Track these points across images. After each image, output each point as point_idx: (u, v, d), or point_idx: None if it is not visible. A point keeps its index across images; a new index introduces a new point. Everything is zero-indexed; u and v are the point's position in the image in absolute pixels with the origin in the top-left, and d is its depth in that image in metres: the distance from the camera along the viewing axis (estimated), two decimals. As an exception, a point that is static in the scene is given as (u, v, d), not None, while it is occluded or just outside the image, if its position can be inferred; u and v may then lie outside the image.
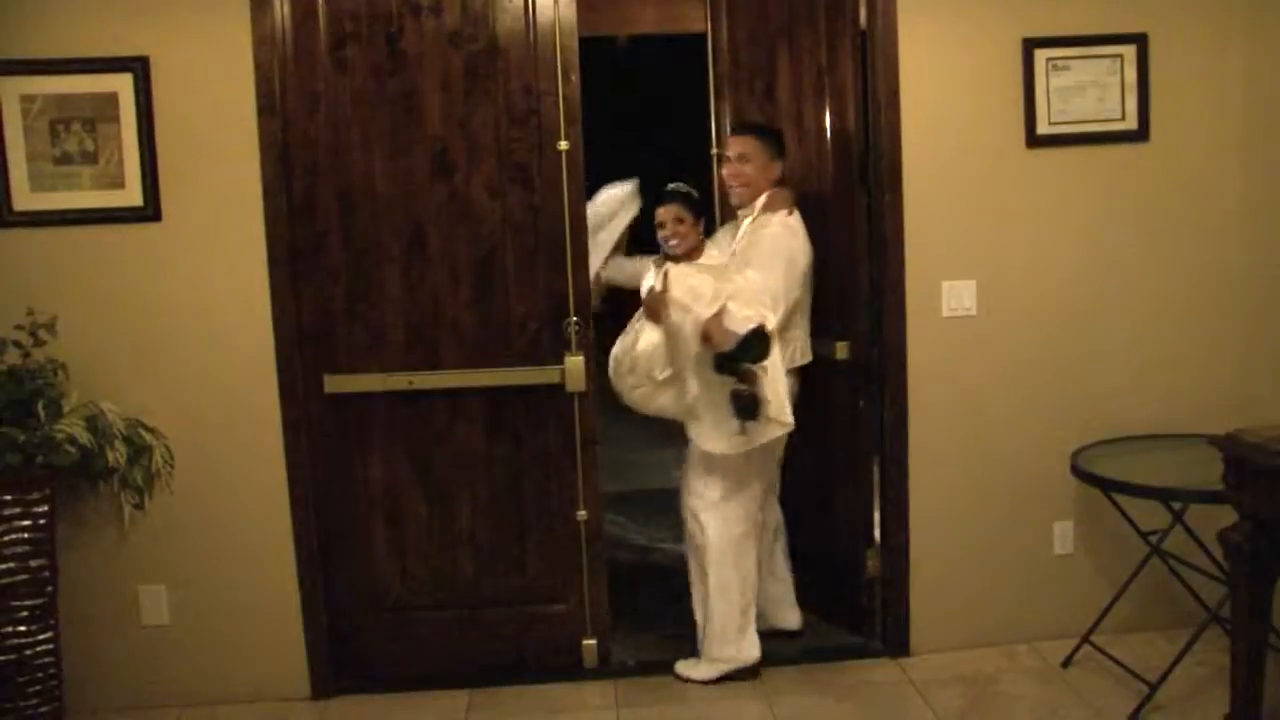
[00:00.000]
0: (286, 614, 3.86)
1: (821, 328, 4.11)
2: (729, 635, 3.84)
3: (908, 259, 3.85)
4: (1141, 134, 3.88)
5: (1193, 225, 3.95)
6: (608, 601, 4.01)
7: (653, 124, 8.62)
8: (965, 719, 3.55)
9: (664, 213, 3.96)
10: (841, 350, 4.01)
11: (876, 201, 3.88)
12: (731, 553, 3.83)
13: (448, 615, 3.96)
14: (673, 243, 3.94)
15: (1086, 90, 3.83)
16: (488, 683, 3.92)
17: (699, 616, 3.91)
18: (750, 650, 3.86)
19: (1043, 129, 3.83)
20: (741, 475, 3.83)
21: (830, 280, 4.12)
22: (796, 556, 4.41)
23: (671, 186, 4.02)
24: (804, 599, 4.26)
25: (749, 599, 3.87)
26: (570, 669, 3.97)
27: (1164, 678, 3.50)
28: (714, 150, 4.73)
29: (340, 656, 3.94)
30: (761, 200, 3.91)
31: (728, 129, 4.58)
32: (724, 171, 4.04)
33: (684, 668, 3.91)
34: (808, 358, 3.99)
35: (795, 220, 3.87)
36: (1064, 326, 3.94)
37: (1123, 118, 3.86)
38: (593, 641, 3.97)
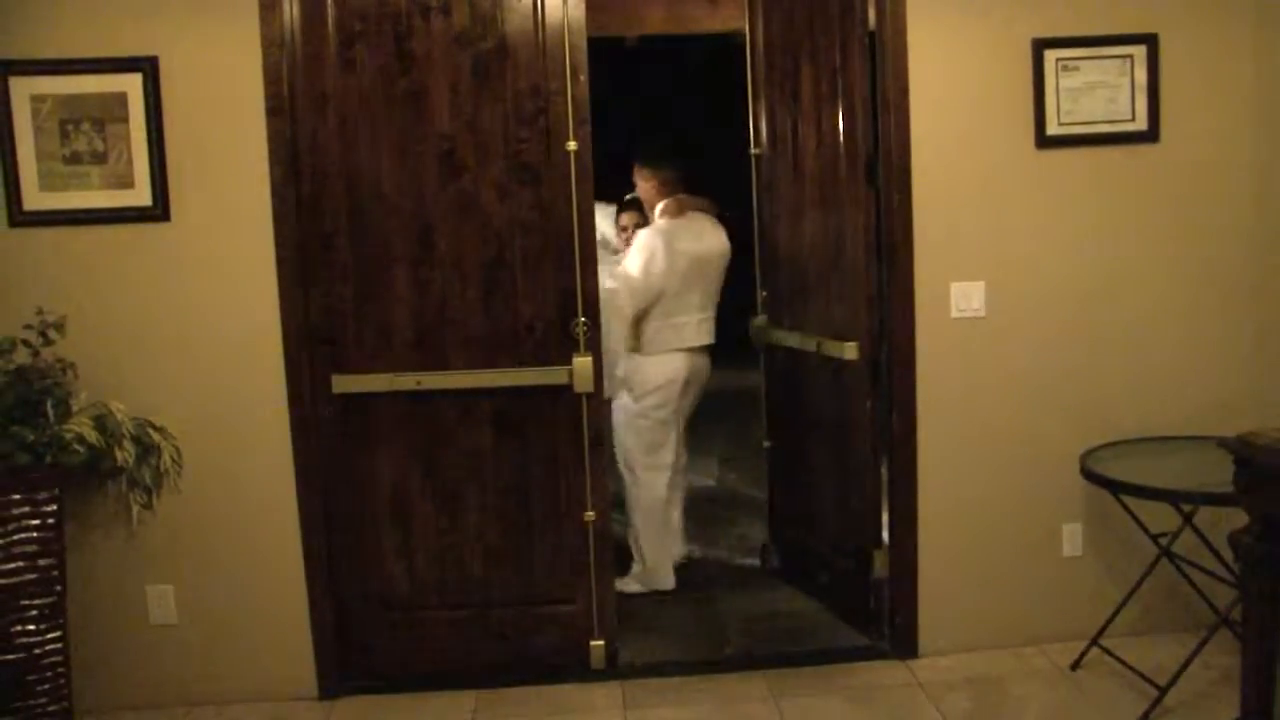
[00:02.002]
0: (294, 614, 3.87)
1: (831, 328, 4.12)
2: (658, 565, 4.74)
3: (916, 260, 3.85)
4: (1152, 135, 3.86)
5: (1203, 226, 3.94)
6: (615, 602, 4.01)
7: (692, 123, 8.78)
8: (973, 721, 3.55)
9: (625, 221, 5.01)
10: (850, 350, 4.00)
11: (885, 202, 3.87)
12: (659, 498, 4.73)
13: (455, 615, 3.96)
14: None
15: (1096, 91, 3.82)
16: (495, 683, 3.92)
17: (633, 549, 4.77)
18: (668, 580, 4.75)
19: (1052, 129, 3.82)
20: (660, 434, 4.71)
21: (840, 280, 4.12)
22: (807, 556, 4.42)
23: (629, 196, 5.07)
24: (814, 598, 4.27)
25: (665, 534, 4.79)
26: (577, 670, 3.96)
27: (1173, 681, 3.49)
28: (753, 150, 4.75)
29: (347, 656, 3.94)
30: (659, 208, 4.80)
31: (764, 129, 4.69)
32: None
33: (620, 584, 4.49)
34: (704, 340, 4.79)
35: (665, 223, 4.75)
36: (1073, 327, 3.93)
37: (1133, 118, 3.84)
38: (600, 642, 3.96)
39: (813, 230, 4.27)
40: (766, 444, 4.87)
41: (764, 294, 4.75)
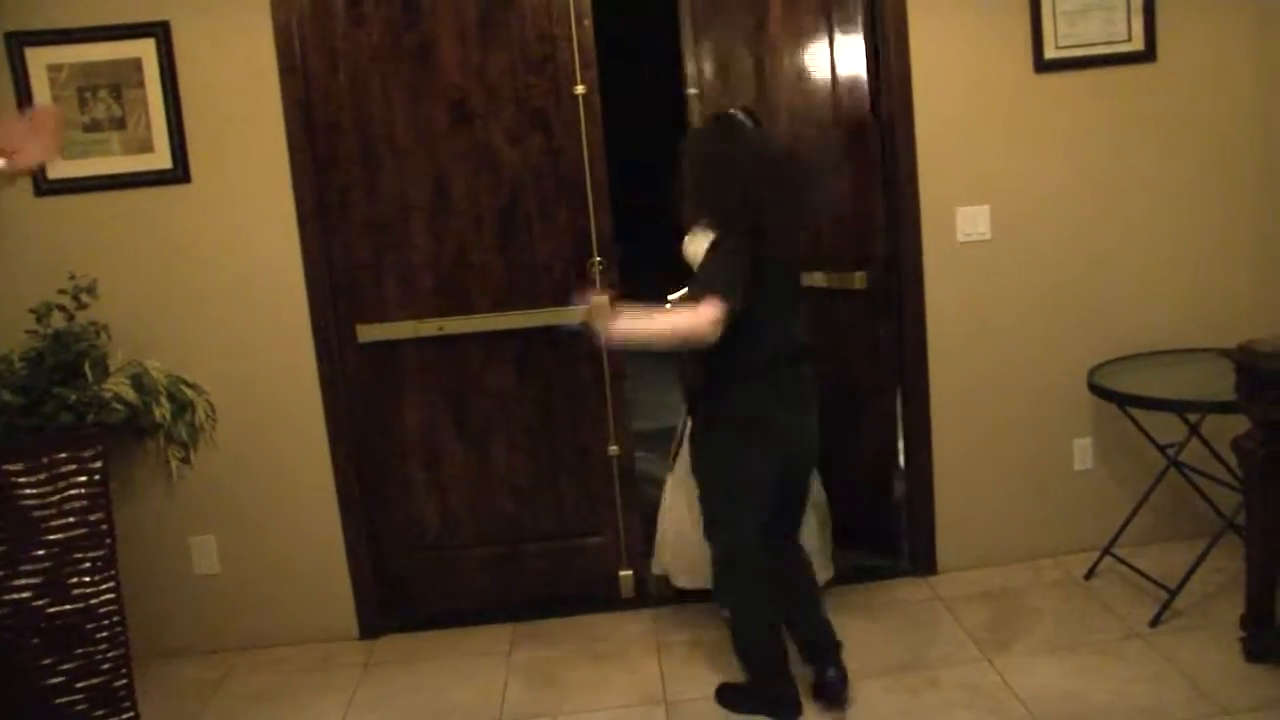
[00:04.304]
0: (332, 558, 4.00)
1: (839, 259, 4.19)
2: None
3: (921, 187, 3.91)
4: (1149, 54, 3.90)
5: (1202, 143, 3.99)
6: (642, 533, 4.13)
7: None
8: (993, 631, 3.66)
9: None
10: (860, 280, 4.07)
11: (888, 131, 3.93)
12: None
13: (487, 552, 4.09)
14: None
15: (1092, 13, 3.86)
16: (529, 616, 4.06)
17: None
18: None
19: (1050, 53, 3.86)
20: None
21: (846, 210, 4.17)
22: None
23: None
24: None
25: None
26: (608, 599, 4.10)
27: (1182, 584, 3.61)
28: (689, 90, 4.46)
29: (385, 596, 4.08)
30: None
31: (706, 69, 4.44)
32: None
33: None
34: None
35: None
36: (1077, 247, 4.00)
37: (1129, 39, 3.88)
38: (629, 572, 4.10)
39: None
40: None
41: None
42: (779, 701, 3.23)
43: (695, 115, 4.36)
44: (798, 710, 3.24)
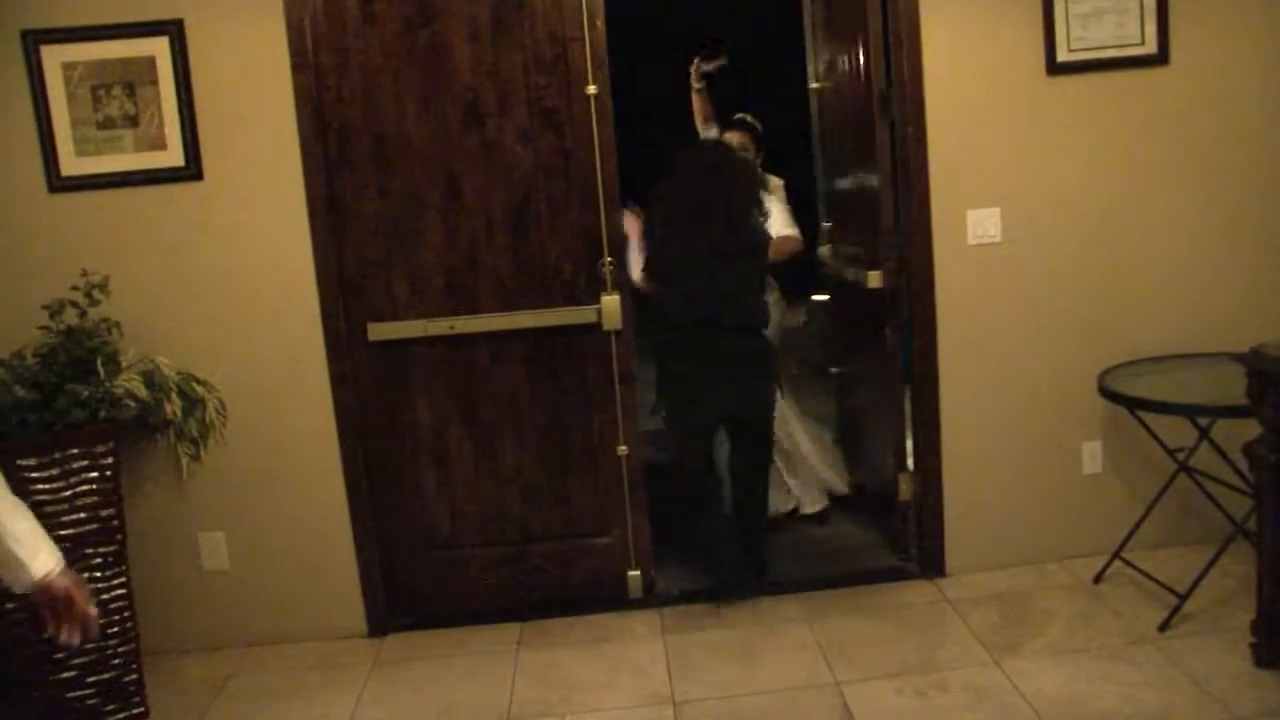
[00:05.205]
0: (341, 556, 4.00)
1: (855, 256, 4.22)
2: None
3: (932, 189, 3.91)
4: (1161, 58, 3.89)
5: (1214, 147, 3.97)
6: (650, 533, 4.13)
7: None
8: (1001, 634, 3.66)
9: (730, 139, 4.52)
10: (874, 279, 4.07)
11: (900, 133, 3.93)
12: None
13: (496, 552, 4.09)
14: None
15: (1105, 16, 3.85)
16: (536, 615, 4.07)
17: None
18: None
19: (1063, 56, 3.86)
20: None
21: (860, 211, 4.19)
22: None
23: (738, 116, 4.67)
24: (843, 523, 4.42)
25: None
26: (616, 599, 4.10)
27: (1192, 589, 3.60)
28: (813, 85, 5.12)
29: (394, 595, 4.08)
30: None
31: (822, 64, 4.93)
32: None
33: None
34: None
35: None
36: (1088, 251, 3.99)
37: (1142, 42, 3.87)
38: (637, 572, 4.10)
39: (848, 163, 4.34)
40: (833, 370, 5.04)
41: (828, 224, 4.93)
42: (717, 577, 4.14)
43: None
44: (723, 591, 4.08)
